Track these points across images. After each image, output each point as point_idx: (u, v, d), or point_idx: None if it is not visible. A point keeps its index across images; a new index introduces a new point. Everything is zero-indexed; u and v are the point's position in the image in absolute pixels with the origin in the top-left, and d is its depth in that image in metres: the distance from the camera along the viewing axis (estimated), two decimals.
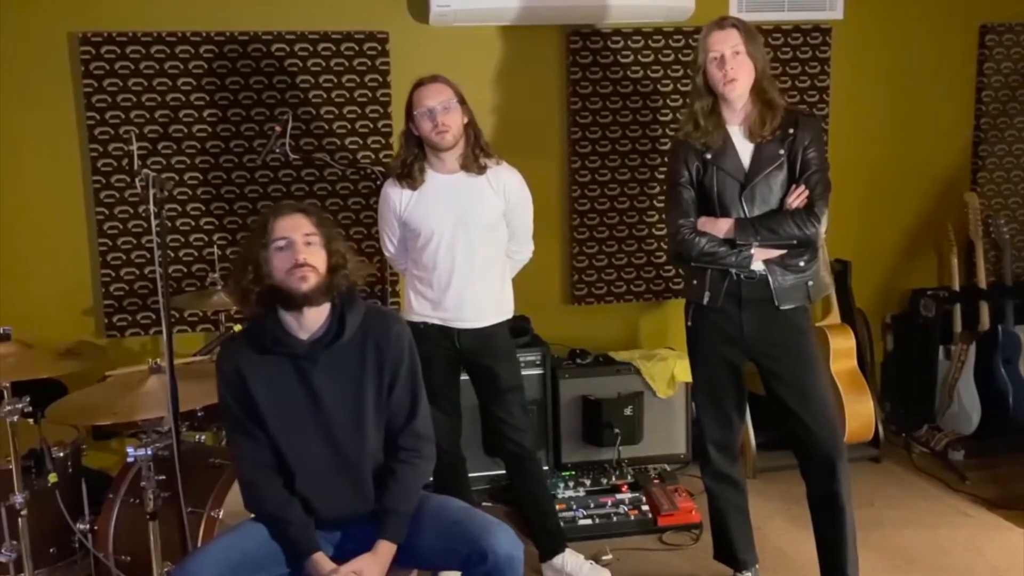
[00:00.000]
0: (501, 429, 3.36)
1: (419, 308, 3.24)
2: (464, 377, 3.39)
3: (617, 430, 4.14)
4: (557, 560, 3.43)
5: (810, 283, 3.01)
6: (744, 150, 2.97)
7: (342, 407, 2.49)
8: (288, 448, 2.47)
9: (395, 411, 2.55)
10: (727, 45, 2.89)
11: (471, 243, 3.18)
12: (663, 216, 4.46)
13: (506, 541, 2.38)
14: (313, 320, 2.48)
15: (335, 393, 2.48)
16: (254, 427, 2.47)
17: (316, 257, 2.45)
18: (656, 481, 4.07)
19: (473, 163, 3.17)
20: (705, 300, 3.03)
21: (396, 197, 3.21)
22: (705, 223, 2.99)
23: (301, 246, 2.43)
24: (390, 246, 3.33)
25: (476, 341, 3.26)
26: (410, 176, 3.17)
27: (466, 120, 3.16)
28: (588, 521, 3.80)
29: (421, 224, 3.17)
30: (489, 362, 3.30)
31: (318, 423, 2.48)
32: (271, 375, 2.47)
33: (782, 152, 2.94)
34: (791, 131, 2.94)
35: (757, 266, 2.96)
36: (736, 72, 2.89)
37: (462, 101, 3.14)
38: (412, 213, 3.18)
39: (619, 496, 3.96)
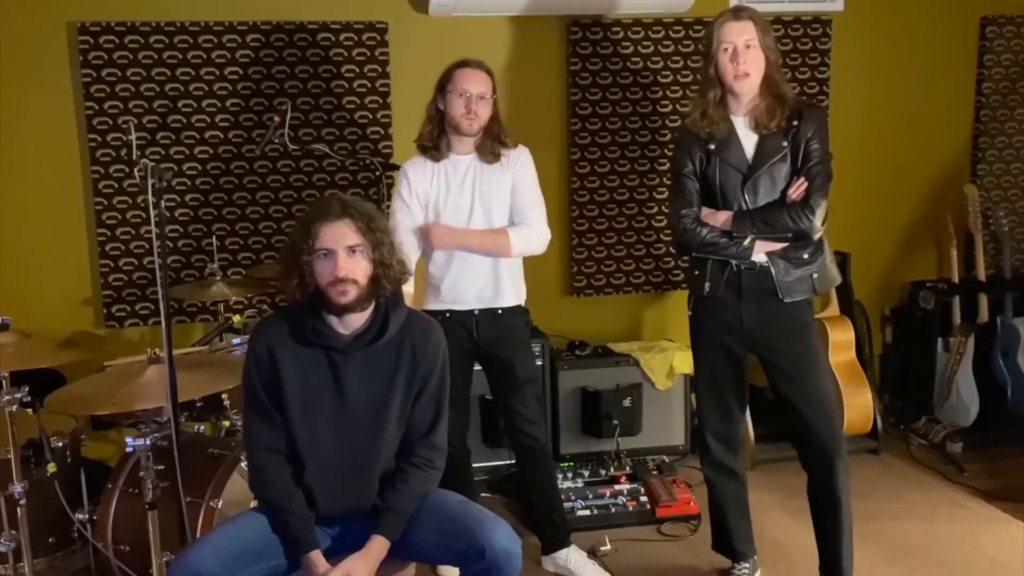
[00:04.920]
0: (515, 421, 3.34)
1: (437, 294, 3.23)
2: (476, 368, 3.37)
3: (616, 421, 4.14)
4: (560, 555, 3.43)
5: (815, 275, 2.99)
6: (748, 141, 2.95)
7: (366, 406, 2.48)
8: (303, 438, 2.47)
9: (417, 420, 2.54)
10: (741, 38, 2.85)
11: (489, 222, 3.19)
12: (663, 208, 4.47)
13: (504, 537, 2.38)
14: (356, 318, 2.47)
15: (362, 391, 2.48)
16: (274, 410, 2.47)
17: (358, 269, 2.41)
18: (655, 472, 4.08)
19: (488, 153, 3.18)
20: (705, 290, 3.03)
21: (413, 174, 3.20)
22: (706, 215, 2.99)
23: (343, 259, 2.39)
24: (407, 226, 3.18)
25: (495, 331, 3.25)
26: (436, 149, 3.18)
27: (492, 114, 3.17)
28: (587, 512, 3.81)
29: (442, 201, 3.18)
30: (507, 354, 3.29)
31: (339, 418, 2.47)
32: (303, 362, 2.46)
33: (785, 144, 2.92)
34: (795, 123, 2.92)
35: (759, 258, 2.95)
36: (748, 66, 2.86)
37: (494, 94, 3.17)
38: (433, 189, 3.19)
39: (618, 487, 3.97)
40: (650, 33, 4.35)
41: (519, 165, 3.26)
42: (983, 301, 4.57)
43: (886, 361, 4.87)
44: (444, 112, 3.16)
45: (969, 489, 4.05)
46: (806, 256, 2.98)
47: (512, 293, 3.30)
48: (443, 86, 3.15)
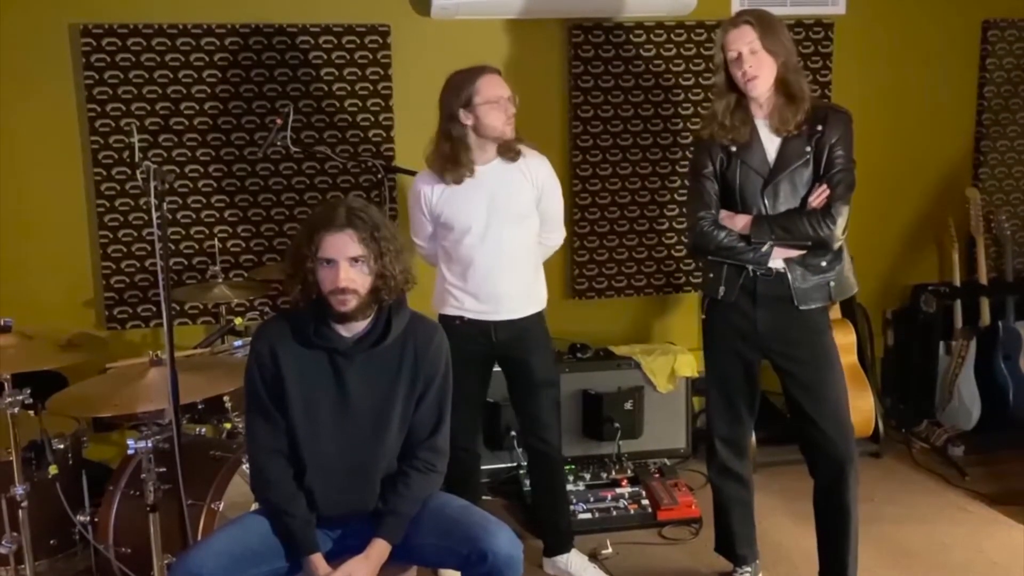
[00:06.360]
0: (528, 425, 3.33)
1: (454, 302, 3.20)
2: (496, 369, 3.34)
3: (617, 424, 4.14)
4: (561, 559, 3.43)
5: (832, 283, 2.95)
6: (770, 145, 2.92)
7: (368, 409, 2.48)
8: (305, 439, 2.47)
9: (420, 423, 2.54)
10: (743, 43, 2.83)
11: (505, 234, 3.14)
12: (665, 211, 4.47)
13: (506, 542, 2.38)
14: (358, 321, 2.47)
15: (365, 394, 2.48)
16: (275, 411, 2.47)
17: (360, 279, 2.41)
18: (656, 475, 4.08)
19: (509, 150, 3.13)
20: (720, 294, 3.00)
21: (428, 191, 3.15)
22: (724, 218, 2.96)
23: (345, 269, 2.38)
24: (421, 241, 3.27)
25: (512, 333, 3.21)
26: (456, 168, 3.08)
27: None
28: (588, 515, 3.80)
29: (455, 217, 3.13)
30: (524, 355, 3.25)
31: (341, 420, 2.47)
32: (305, 363, 2.47)
33: (808, 149, 2.89)
34: (819, 128, 2.88)
35: (776, 264, 2.92)
36: (756, 70, 2.83)
37: None
38: (445, 206, 3.13)
39: (619, 490, 3.96)
40: (652, 36, 4.36)
41: (547, 177, 3.22)
42: (985, 305, 4.57)
43: (887, 364, 4.86)
44: (476, 127, 3.05)
45: (970, 492, 4.05)
46: (824, 264, 2.94)
47: (534, 302, 3.27)
48: (469, 101, 3.02)
